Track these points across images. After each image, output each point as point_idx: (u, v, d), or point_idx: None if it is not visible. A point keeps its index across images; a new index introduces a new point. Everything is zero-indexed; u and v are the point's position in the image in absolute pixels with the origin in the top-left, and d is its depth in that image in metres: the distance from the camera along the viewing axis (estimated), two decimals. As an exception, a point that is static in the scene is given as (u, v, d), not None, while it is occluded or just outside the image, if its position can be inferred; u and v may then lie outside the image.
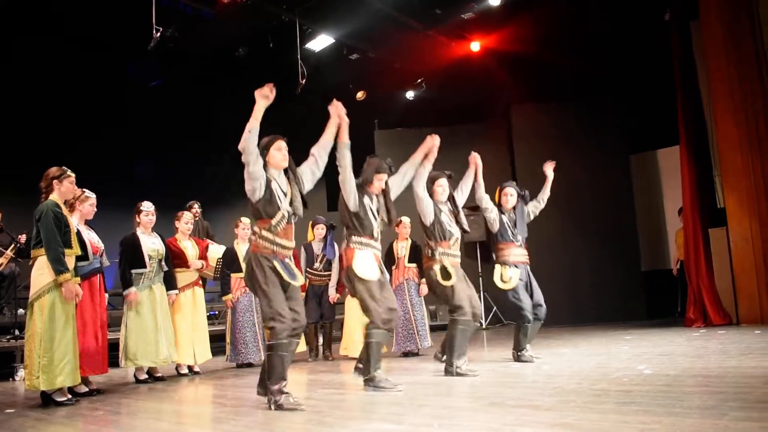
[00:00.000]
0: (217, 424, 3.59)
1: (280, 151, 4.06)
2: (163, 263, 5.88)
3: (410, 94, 11.65)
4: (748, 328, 7.01)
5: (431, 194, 5.13)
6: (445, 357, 5.07)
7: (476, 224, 9.39)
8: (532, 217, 6.00)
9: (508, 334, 8.47)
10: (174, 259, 6.19)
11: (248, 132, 3.85)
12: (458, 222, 5.16)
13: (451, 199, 5.22)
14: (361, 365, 4.49)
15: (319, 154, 4.27)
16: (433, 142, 4.96)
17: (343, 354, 6.91)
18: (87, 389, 4.98)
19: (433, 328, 7.51)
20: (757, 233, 7.39)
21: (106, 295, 5.45)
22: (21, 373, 6.10)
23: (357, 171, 4.71)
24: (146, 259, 5.75)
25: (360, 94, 11.47)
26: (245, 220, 6.51)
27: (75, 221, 4.99)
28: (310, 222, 7.22)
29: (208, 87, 10.91)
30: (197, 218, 7.70)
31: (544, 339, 7.47)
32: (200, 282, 6.47)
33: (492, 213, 5.66)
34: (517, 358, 5.47)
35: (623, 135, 10.18)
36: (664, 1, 8.51)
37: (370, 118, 11.40)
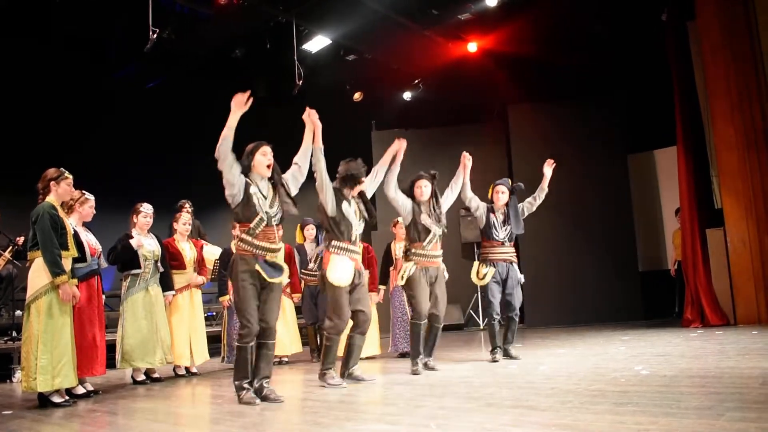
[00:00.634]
0: (213, 425, 3.59)
1: (264, 156, 4.24)
2: (158, 264, 5.88)
3: (407, 95, 11.65)
4: (745, 328, 7.02)
5: (413, 195, 5.28)
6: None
7: (473, 225, 9.40)
8: (527, 214, 6.06)
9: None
10: (171, 260, 6.18)
11: (222, 139, 4.03)
12: (439, 221, 5.26)
13: (435, 197, 5.33)
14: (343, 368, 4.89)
15: (301, 161, 4.48)
16: (400, 145, 5.12)
17: (339, 356, 6.89)
18: (84, 390, 4.97)
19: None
20: (755, 234, 7.40)
21: (104, 296, 5.44)
22: (18, 374, 6.09)
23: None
24: (141, 260, 5.75)
25: (357, 95, 11.48)
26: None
27: (73, 223, 4.98)
28: (299, 224, 7.22)
29: (204, 88, 10.90)
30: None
31: (541, 339, 7.48)
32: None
33: (478, 211, 5.81)
34: (492, 357, 5.64)
35: (620, 135, 10.18)
36: (661, 2, 8.53)
37: (367, 119, 11.40)
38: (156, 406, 4.50)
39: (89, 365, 4.94)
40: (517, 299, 5.84)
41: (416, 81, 11.37)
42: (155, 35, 7.83)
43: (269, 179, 4.27)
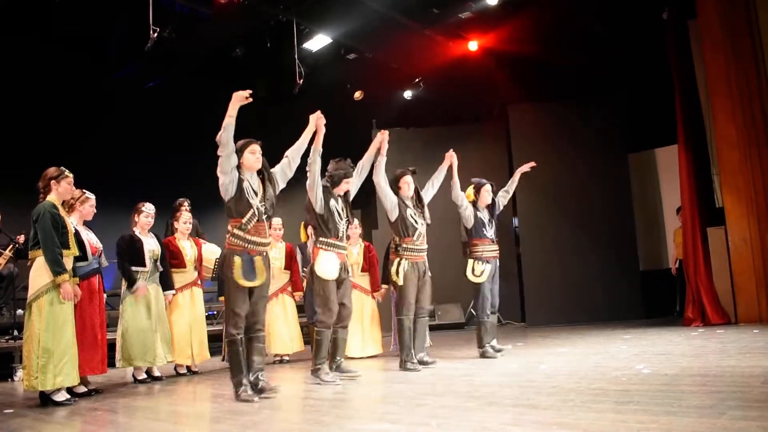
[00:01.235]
0: (214, 424, 3.59)
1: (253, 154, 4.35)
2: (158, 263, 5.89)
3: (408, 94, 11.64)
4: (746, 327, 7.01)
5: (397, 191, 5.43)
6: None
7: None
8: (501, 208, 6.28)
9: (506, 333, 8.49)
10: (172, 259, 6.19)
11: (223, 128, 4.15)
12: (422, 215, 5.47)
13: (417, 193, 5.52)
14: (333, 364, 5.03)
15: (293, 156, 4.59)
16: (383, 137, 5.26)
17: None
18: (86, 389, 4.98)
19: (431, 328, 7.49)
20: (756, 232, 7.39)
21: (105, 295, 5.45)
22: (20, 373, 6.09)
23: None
24: (146, 258, 5.75)
25: (358, 94, 11.47)
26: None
27: (74, 222, 4.99)
28: (303, 222, 7.20)
29: (205, 87, 10.90)
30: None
31: (541, 338, 7.48)
32: (198, 282, 6.46)
33: (467, 210, 5.92)
34: (482, 355, 5.76)
35: (621, 134, 10.17)
36: (661, 0, 8.51)
37: (368, 118, 11.39)
38: (157, 405, 4.50)
39: (90, 364, 4.95)
40: (497, 294, 6.07)
41: (417, 80, 11.36)
42: (156, 34, 7.82)
43: (258, 174, 4.40)
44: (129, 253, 5.73)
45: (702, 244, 7.97)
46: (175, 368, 6.24)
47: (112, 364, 5.58)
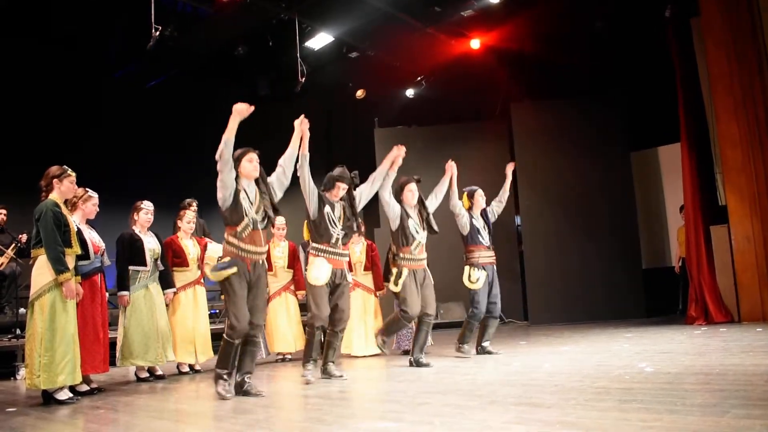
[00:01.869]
0: (216, 423, 3.59)
1: (251, 163, 4.39)
2: (158, 262, 5.88)
3: (410, 92, 11.64)
4: (749, 325, 7.00)
5: (401, 199, 5.46)
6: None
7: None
8: (496, 216, 6.31)
9: (508, 332, 8.49)
10: (175, 257, 6.18)
11: (224, 143, 4.19)
12: (429, 224, 5.52)
13: (421, 202, 5.54)
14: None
15: (285, 164, 4.63)
16: (399, 152, 5.28)
17: (345, 352, 6.90)
18: (88, 388, 4.98)
19: (433, 327, 7.48)
20: (759, 230, 7.38)
21: (107, 294, 5.45)
22: (22, 372, 6.10)
23: (366, 175, 5.18)
24: (147, 257, 5.75)
25: (360, 93, 11.47)
26: None
27: (76, 220, 4.99)
28: (306, 221, 7.19)
29: (207, 86, 10.91)
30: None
31: (544, 337, 7.47)
32: (201, 281, 6.45)
33: (463, 218, 5.97)
34: (458, 350, 5.92)
35: (624, 132, 10.15)
36: (664, -2, 8.50)
37: (370, 117, 11.40)
38: (159, 404, 4.50)
39: (93, 362, 4.95)
40: (499, 298, 6.09)
41: (419, 78, 11.36)
42: (158, 33, 7.82)
43: (255, 183, 4.45)
44: (129, 252, 5.72)
45: (705, 242, 7.96)
46: (177, 367, 6.24)
47: (114, 362, 5.58)
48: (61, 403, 4.47)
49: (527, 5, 9.12)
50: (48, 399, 4.50)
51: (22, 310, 6.96)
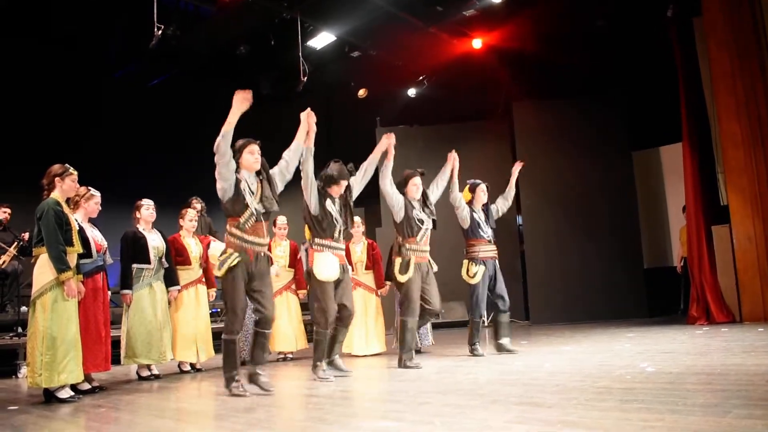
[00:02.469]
0: (218, 422, 3.59)
1: (252, 155, 4.35)
2: (163, 260, 5.89)
3: (412, 92, 11.64)
4: (751, 325, 6.99)
5: (405, 192, 5.44)
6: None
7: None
8: (500, 214, 6.28)
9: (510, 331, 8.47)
10: (177, 256, 6.19)
11: (221, 135, 4.14)
12: (431, 217, 5.50)
13: (424, 195, 5.54)
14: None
15: (289, 158, 4.60)
16: (389, 140, 5.26)
17: (346, 351, 6.90)
18: (90, 386, 4.98)
19: (434, 326, 7.50)
20: (761, 231, 7.37)
21: (109, 292, 5.45)
22: (24, 370, 6.11)
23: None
24: (151, 254, 5.76)
25: (362, 92, 11.47)
26: None
27: (78, 219, 4.99)
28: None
29: (208, 85, 10.91)
30: (201, 215, 7.69)
31: (545, 336, 7.47)
32: (203, 280, 6.46)
33: (464, 211, 5.94)
34: (471, 352, 5.84)
35: (626, 132, 10.15)
36: (666, -2, 8.49)
37: (371, 116, 11.39)
38: (161, 402, 4.50)
39: (94, 361, 4.95)
40: (506, 292, 6.02)
41: (421, 78, 11.36)
42: (160, 32, 7.82)
43: (257, 174, 4.41)
44: (132, 250, 5.73)
45: (707, 242, 7.96)
46: (179, 366, 6.25)
47: (116, 361, 5.59)
48: (63, 401, 4.48)
49: (529, 5, 9.12)
50: (49, 397, 4.51)
51: (24, 309, 6.97)
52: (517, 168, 6.41)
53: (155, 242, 5.85)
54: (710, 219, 8.02)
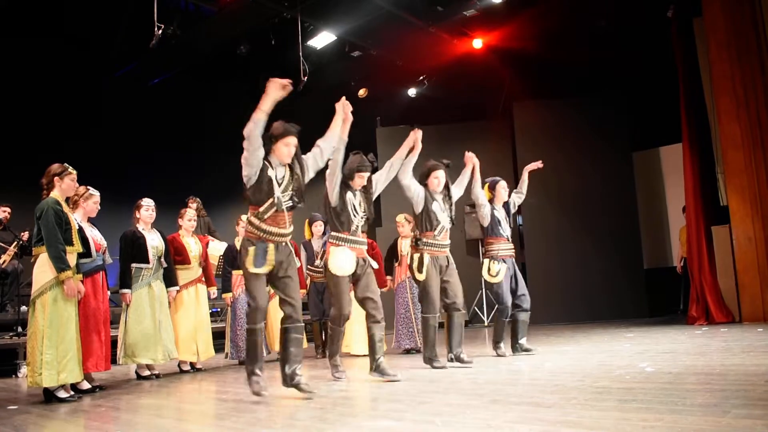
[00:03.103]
0: (218, 421, 3.59)
1: (287, 147, 4.10)
2: (162, 260, 5.89)
3: (412, 92, 11.64)
4: (750, 326, 6.99)
5: (427, 184, 5.29)
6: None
7: (477, 221, 9.38)
8: (516, 208, 6.24)
9: (509, 332, 8.47)
10: (176, 255, 6.19)
11: (254, 123, 3.91)
12: (448, 214, 5.30)
13: (447, 188, 5.36)
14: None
15: (324, 146, 4.41)
16: (416, 135, 5.14)
17: (345, 351, 6.90)
18: (89, 386, 4.98)
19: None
20: (760, 231, 7.38)
21: (109, 292, 5.45)
22: (24, 369, 6.11)
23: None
24: (150, 254, 5.76)
25: (362, 92, 11.47)
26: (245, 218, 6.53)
27: (78, 218, 4.99)
28: (307, 220, 7.20)
29: (209, 84, 10.91)
30: (199, 214, 7.69)
31: (545, 336, 7.47)
32: (203, 279, 6.46)
33: (485, 209, 5.82)
34: (495, 351, 5.76)
35: (626, 132, 10.15)
36: (666, -2, 8.50)
37: (372, 115, 11.40)
38: (161, 402, 4.51)
39: (94, 361, 4.95)
40: (527, 291, 5.95)
41: (421, 77, 11.37)
42: (160, 31, 7.83)
43: (289, 165, 4.19)
44: (132, 249, 5.73)
45: (706, 242, 7.96)
46: (178, 365, 6.25)
47: (116, 360, 5.59)
48: (63, 401, 4.48)
49: (529, 5, 9.13)
50: (49, 397, 4.51)
51: (23, 308, 6.98)
52: (534, 166, 6.37)
53: (154, 242, 5.85)
54: (710, 219, 8.03)
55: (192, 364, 6.26)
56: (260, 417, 3.51)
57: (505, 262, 5.76)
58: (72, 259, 4.57)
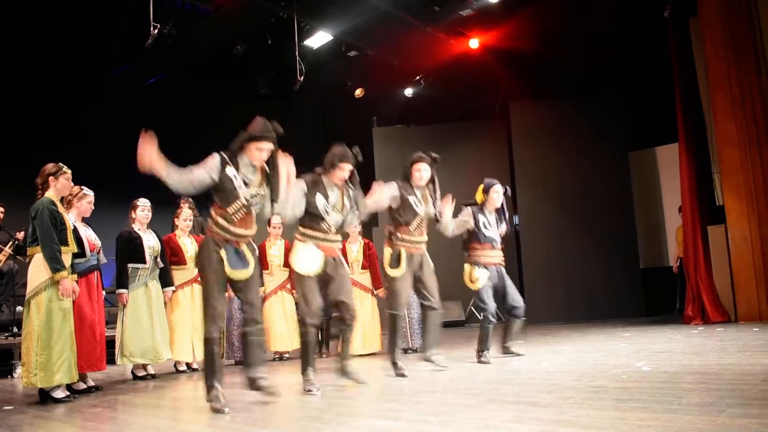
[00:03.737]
0: (213, 421, 3.59)
1: (260, 152, 3.90)
2: (158, 260, 5.88)
3: (409, 92, 11.64)
4: (746, 325, 7.00)
5: (409, 177, 4.97)
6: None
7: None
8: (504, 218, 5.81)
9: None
10: (172, 255, 6.18)
11: (171, 184, 3.91)
12: (434, 208, 5.02)
13: (433, 182, 5.05)
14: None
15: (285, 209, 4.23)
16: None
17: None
18: (85, 386, 4.98)
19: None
20: (756, 231, 7.39)
21: (104, 292, 5.44)
22: (19, 370, 6.09)
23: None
24: (146, 254, 5.75)
25: (358, 92, 11.47)
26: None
27: (72, 218, 4.98)
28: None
29: (206, 84, 10.89)
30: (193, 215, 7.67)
31: (542, 336, 7.47)
32: (198, 279, 6.43)
33: (464, 217, 5.48)
34: (478, 358, 5.37)
35: (622, 132, 10.16)
36: (663, -2, 8.51)
37: (368, 116, 11.40)
38: (157, 402, 4.50)
39: (89, 361, 4.95)
40: (519, 298, 5.69)
41: (417, 77, 11.36)
42: (156, 31, 7.81)
43: (264, 170, 4.00)
44: (128, 249, 5.72)
45: (702, 242, 7.97)
46: (174, 365, 6.24)
47: (111, 361, 5.58)
48: (58, 401, 4.47)
49: (525, 5, 9.13)
50: (45, 397, 4.50)
51: (19, 308, 6.96)
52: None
53: (150, 242, 5.85)
54: (706, 219, 8.04)
55: (188, 365, 6.25)
56: (256, 417, 3.50)
57: (487, 269, 5.43)
58: (67, 259, 4.56)
